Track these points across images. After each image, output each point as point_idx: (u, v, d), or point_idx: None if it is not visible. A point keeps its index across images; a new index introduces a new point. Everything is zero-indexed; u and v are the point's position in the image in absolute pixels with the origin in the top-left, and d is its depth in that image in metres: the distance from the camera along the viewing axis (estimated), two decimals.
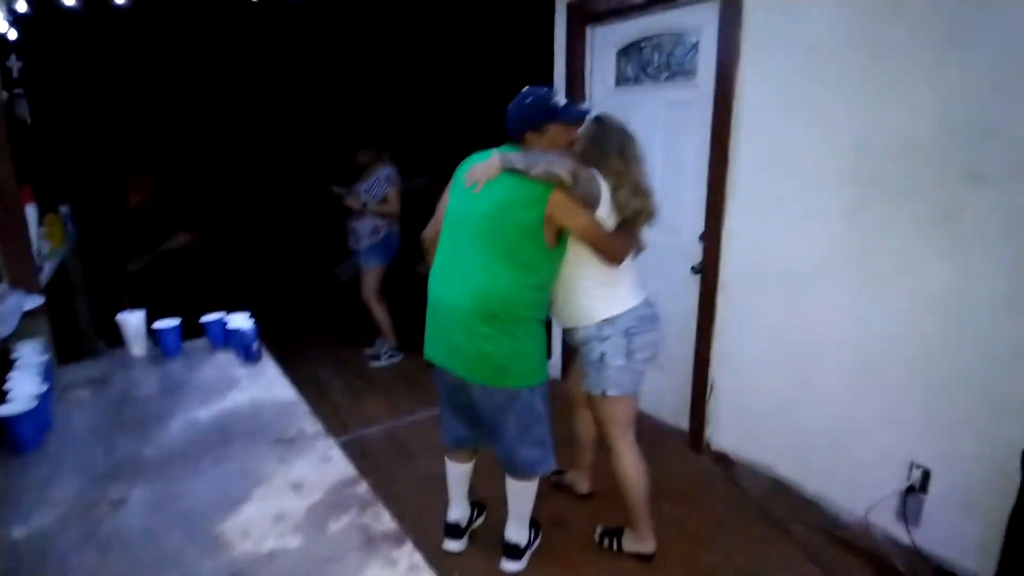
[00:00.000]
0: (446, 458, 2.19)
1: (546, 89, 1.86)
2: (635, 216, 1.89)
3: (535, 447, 1.95)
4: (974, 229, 1.82)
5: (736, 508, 2.47)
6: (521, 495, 2.08)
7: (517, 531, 2.14)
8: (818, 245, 2.24)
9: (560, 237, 1.81)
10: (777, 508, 2.42)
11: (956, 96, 1.81)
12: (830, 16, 2.08)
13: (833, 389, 2.27)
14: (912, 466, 2.06)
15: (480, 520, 2.35)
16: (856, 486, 2.23)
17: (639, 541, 2.19)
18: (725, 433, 2.74)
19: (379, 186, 3.75)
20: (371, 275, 3.87)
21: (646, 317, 1.98)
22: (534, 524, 2.22)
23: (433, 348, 1.93)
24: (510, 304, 1.78)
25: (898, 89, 1.94)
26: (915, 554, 2.07)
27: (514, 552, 2.13)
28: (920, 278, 1.97)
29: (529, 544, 2.18)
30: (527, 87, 1.88)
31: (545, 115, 1.81)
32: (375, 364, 4.02)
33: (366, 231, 3.81)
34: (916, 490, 2.06)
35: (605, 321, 1.94)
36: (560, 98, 1.83)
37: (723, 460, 2.73)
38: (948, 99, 1.83)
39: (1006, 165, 1.73)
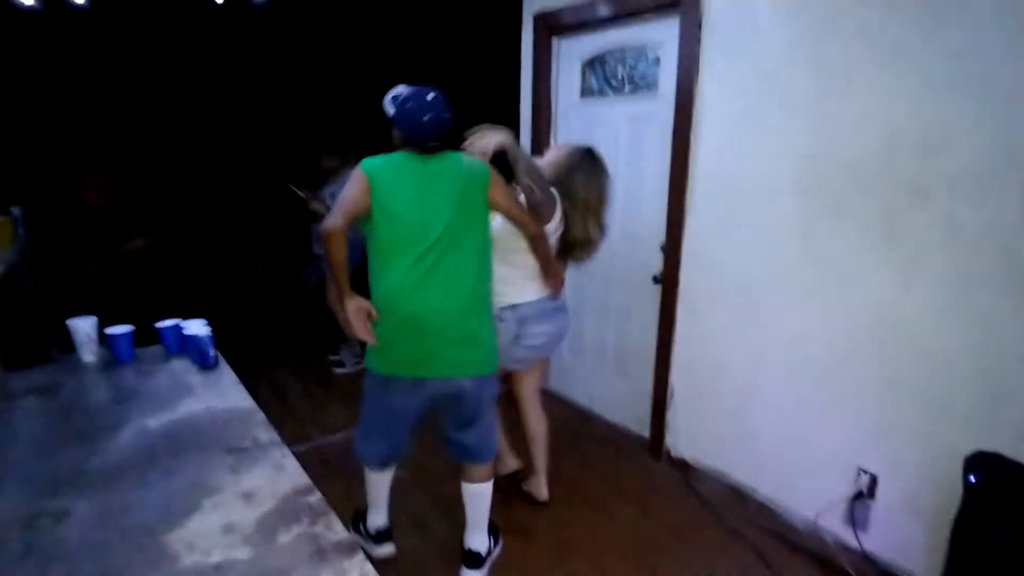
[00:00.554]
0: (372, 472, 2.12)
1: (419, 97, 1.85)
2: (584, 243, 2.27)
3: (493, 429, 2.12)
4: (916, 242, 1.90)
5: (693, 514, 2.52)
6: (483, 497, 2.10)
7: (478, 538, 2.14)
8: (771, 257, 2.31)
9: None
10: (732, 513, 2.48)
11: (900, 113, 1.89)
12: (782, 34, 2.16)
13: (784, 396, 2.34)
14: (860, 472, 2.13)
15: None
16: (806, 491, 2.30)
17: (537, 487, 2.56)
18: (684, 440, 2.80)
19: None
20: None
21: (546, 311, 2.23)
22: (493, 531, 2.23)
23: (404, 361, 1.86)
24: (489, 292, 1.97)
25: (845, 106, 2.02)
26: (863, 558, 2.13)
27: (475, 560, 2.13)
28: (866, 289, 2.05)
29: (490, 552, 2.18)
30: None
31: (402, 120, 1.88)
32: (339, 371, 3.98)
33: None
34: (864, 495, 2.13)
35: (509, 307, 2.16)
36: (424, 117, 1.81)
37: (682, 466, 2.78)
38: (893, 116, 1.91)
39: (946, 181, 1.81)
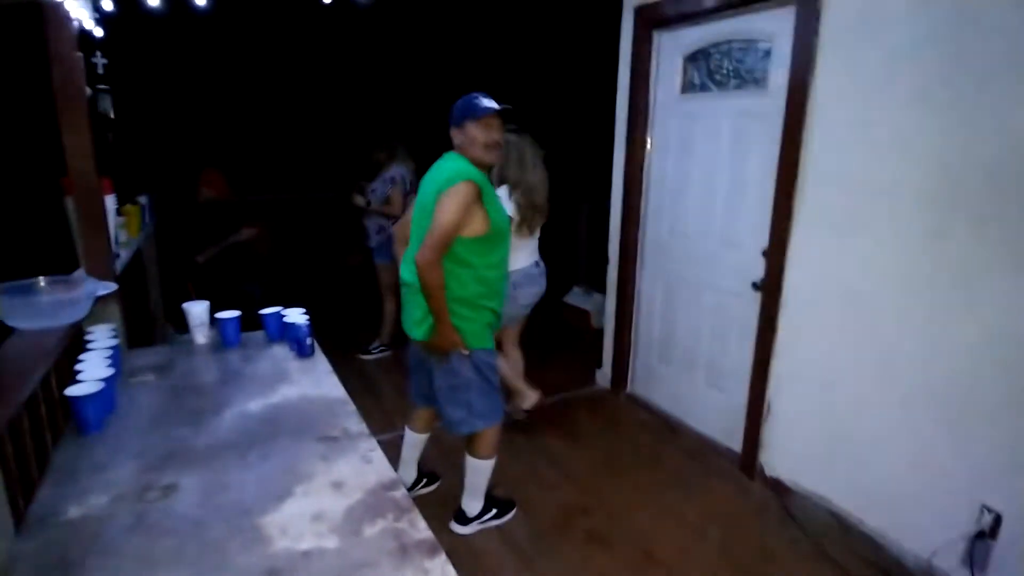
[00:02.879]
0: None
1: (476, 93, 2.04)
2: (530, 216, 2.68)
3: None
4: None
5: (789, 540, 2.35)
6: (471, 467, 2.34)
7: (469, 502, 2.38)
8: (893, 268, 2.11)
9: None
10: (833, 544, 2.30)
11: None
12: (914, 25, 1.96)
13: (900, 420, 2.13)
14: (983, 509, 1.91)
15: (428, 489, 2.64)
16: (921, 527, 2.09)
17: (522, 399, 3.07)
18: (781, 459, 2.62)
19: (383, 186, 3.84)
20: (383, 272, 3.98)
21: (532, 276, 2.81)
22: (499, 504, 2.44)
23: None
24: None
25: (989, 105, 1.80)
26: None
27: (461, 517, 2.37)
28: (1002, 306, 1.82)
29: (481, 517, 2.39)
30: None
31: (461, 113, 2.02)
32: (363, 357, 4.12)
33: (373, 229, 3.95)
34: (985, 535, 1.91)
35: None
36: (480, 99, 2.00)
37: (777, 487, 2.61)
38: None
39: None
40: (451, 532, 2.35)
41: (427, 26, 5.25)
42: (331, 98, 5.36)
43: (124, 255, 2.55)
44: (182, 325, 2.03)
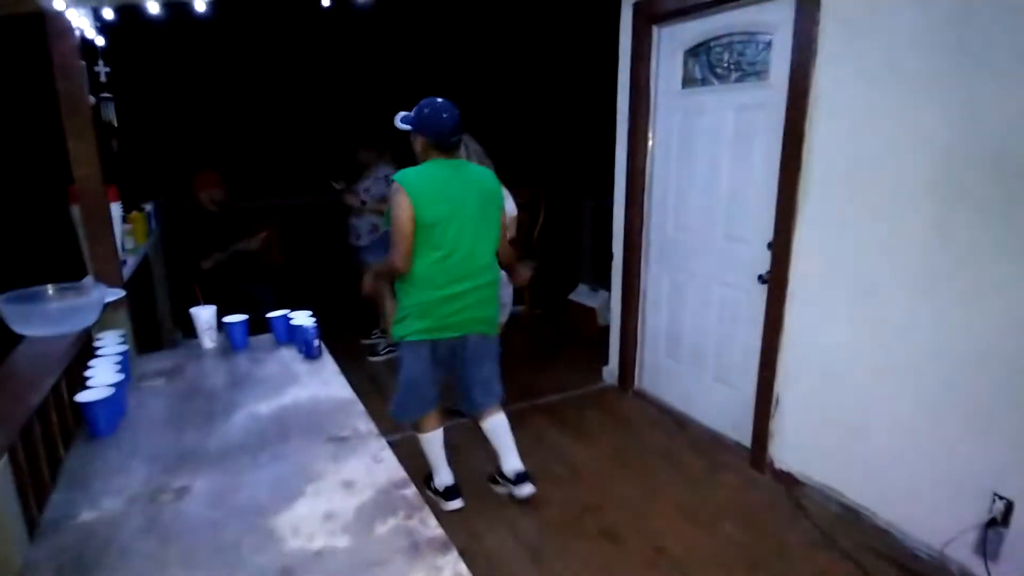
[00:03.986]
0: (427, 432, 2.47)
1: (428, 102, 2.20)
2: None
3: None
4: None
5: (801, 533, 2.34)
6: (503, 424, 2.51)
7: (517, 460, 2.49)
8: (899, 259, 2.10)
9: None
10: (845, 536, 2.29)
11: None
12: (917, 12, 1.94)
13: (911, 410, 2.12)
14: (995, 497, 1.90)
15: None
16: (932, 516, 2.08)
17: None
18: (790, 452, 2.61)
19: (379, 185, 3.81)
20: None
21: (504, 280, 2.76)
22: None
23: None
24: None
25: (993, 93, 1.79)
26: None
27: (526, 477, 2.48)
28: (1011, 295, 1.81)
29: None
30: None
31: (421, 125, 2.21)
32: (373, 359, 4.10)
33: (365, 229, 3.94)
34: (997, 523, 1.90)
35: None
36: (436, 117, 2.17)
37: (787, 480, 2.61)
38: None
39: None
40: (469, 533, 2.33)
41: (427, 26, 5.25)
42: (334, 100, 5.37)
43: (131, 262, 2.57)
44: (190, 330, 2.04)
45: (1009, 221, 1.79)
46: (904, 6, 1.98)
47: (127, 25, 2.19)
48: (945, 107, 1.91)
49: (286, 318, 2.02)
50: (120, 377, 1.52)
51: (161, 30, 2.71)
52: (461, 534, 2.31)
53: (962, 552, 2.00)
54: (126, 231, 2.75)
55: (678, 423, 3.20)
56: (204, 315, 1.97)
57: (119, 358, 1.63)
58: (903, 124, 2.03)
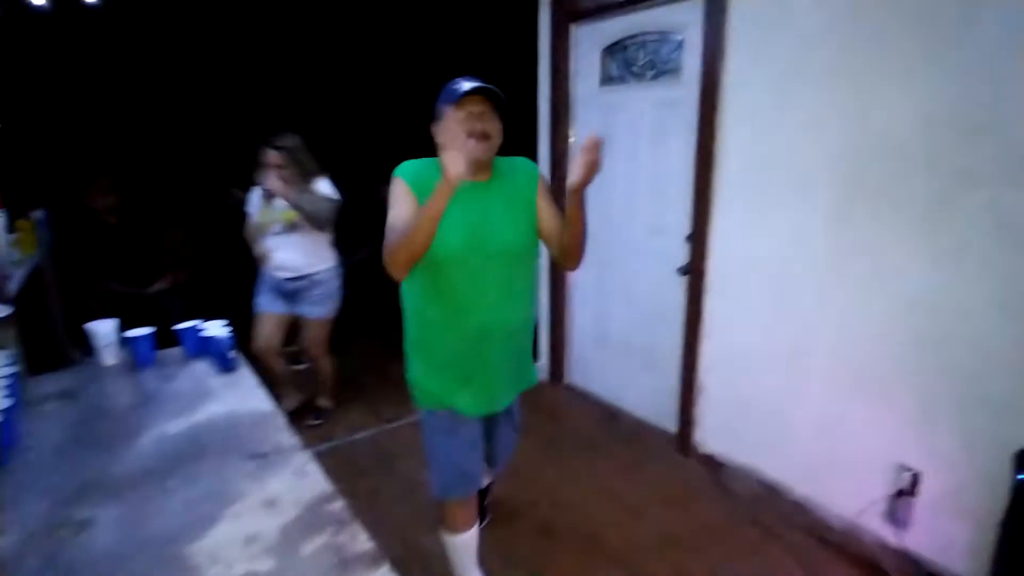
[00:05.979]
0: (457, 533, 1.86)
1: (460, 78, 1.61)
2: None
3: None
4: (964, 229, 1.81)
5: (725, 512, 2.45)
6: None
7: None
8: (806, 247, 2.22)
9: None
10: (766, 512, 2.41)
11: (944, 94, 1.79)
12: (817, 12, 2.06)
13: (821, 391, 2.25)
14: (901, 469, 2.05)
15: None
16: (845, 489, 2.22)
17: (329, 399, 3.33)
18: (713, 436, 2.72)
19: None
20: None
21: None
22: None
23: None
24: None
25: (885, 88, 1.92)
26: (905, 558, 2.05)
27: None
28: (908, 279, 1.95)
29: None
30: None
31: (441, 103, 1.60)
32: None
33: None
34: (905, 493, 2.04)
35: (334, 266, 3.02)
36: (460, 81, 1.57)
37: (711, 463, 2.71)
38: (935, 97, 1.81)
39: (996, 164, 1.72)
40: (403, 542, 2.24)
41: (332, 24, 5.08)
42: (237, 95, 5.10)
43: (18, 275, 2.35)
44: (89, 348, 1.88)
45: (901, 209, 1.93)
46: (805, 8, 2.09)
47: (9, 17, 1.99)
48: (842, 102, 2.03)
49: (196, 329, 1.89)
50: (9, 403, 1.38)
51: (48, 23, 2.48)
52: (396, 544, 2.26)
53: (874, 521, 2.14)
54: (12, 241, 2.52)
55: (609, 414, 3.27)
56: (103, 330, 1.82)
57: (7, 381, 1.48)
58: (805, 119, 2.14)
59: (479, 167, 1.56)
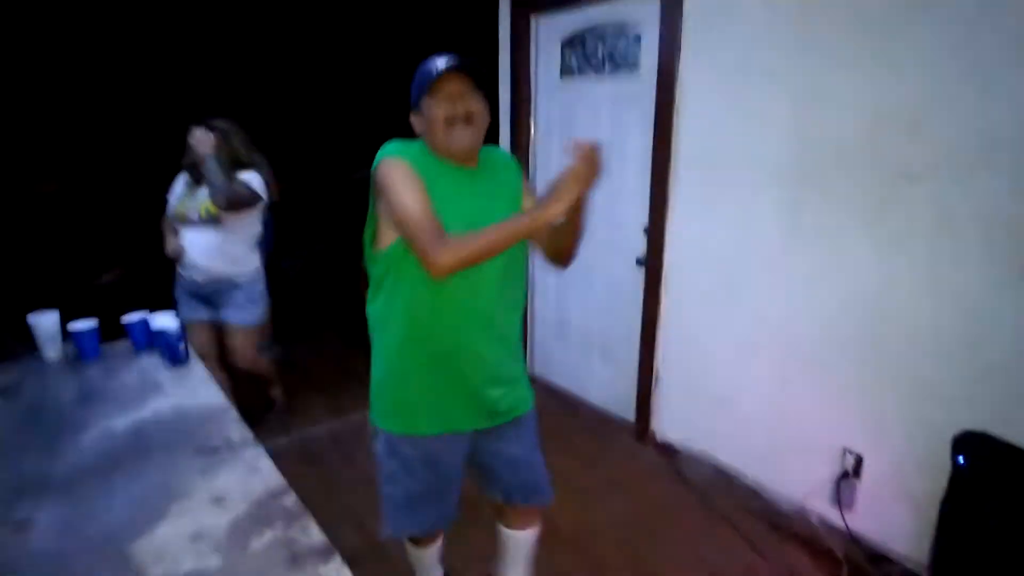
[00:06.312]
0: (416, 547, 1.89)
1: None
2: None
3: None
4: (902, 223, 1.88)
5: (680, 498, 2.51)
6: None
7: None
8: (757, 239, 2.28)
9: None
10: (720, 497, 2.47)
11: (886, 91, 1.86)
12: (767, 12, 2.11)
13: (770, 379, 2.32)
14: (845, 452, 2.13)
15: None
16: (793, 473, 2.29)
17: (279, 389, 3.26)
18: (670, 424, 2.78)
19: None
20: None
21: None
22: None
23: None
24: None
25: (829, 84, 1.98)
26: (850, 539, 2.14)
27: None
28: (851, 271, 2.02)
29: None
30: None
31: (416, 88, 1.41)
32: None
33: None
34: (850, 476, 2.12)
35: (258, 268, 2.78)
36: (434, 59, 1.39)
37: (668, 451, 2.77)
38: (878, 94, 1.88)
39: (933, 160, 1.79)
40: (361, 534, 2.19)
41: (270, 14, 4.92)
42: (185, 82, 4.91)
43: None
44: (29, 341, 1.81)
45: (847, 202, 2.00)
46: (752, 8, 2.13)
47: None
48: (791, 99, 2.08)
49: (144, 321, 1.84)
50: None
51: None
52: (353, 537, 2.25)
53: (820, 504, 2.23)
54: None
55: (570, 406, 3.30)
56: (45, 322, 1.75)
57: None
58: (756, 114, 2.20)
59: (469, 153, 1.43)
